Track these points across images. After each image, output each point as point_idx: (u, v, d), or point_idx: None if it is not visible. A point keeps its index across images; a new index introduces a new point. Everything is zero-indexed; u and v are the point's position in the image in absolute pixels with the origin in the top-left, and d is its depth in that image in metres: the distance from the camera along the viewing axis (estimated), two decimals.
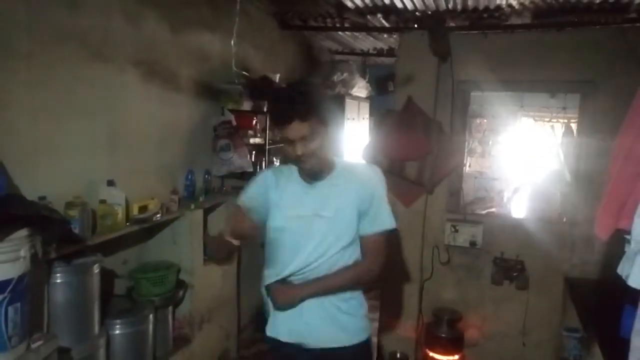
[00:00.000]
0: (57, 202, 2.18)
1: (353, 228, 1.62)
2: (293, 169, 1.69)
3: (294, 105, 1.51)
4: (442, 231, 3.34)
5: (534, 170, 3.69)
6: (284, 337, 1.72)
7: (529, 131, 3.81)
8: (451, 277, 3.38)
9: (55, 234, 1.85)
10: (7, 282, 1.57)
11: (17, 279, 1.60)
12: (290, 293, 1.62)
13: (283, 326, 1.71)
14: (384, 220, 1.64)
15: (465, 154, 3.44)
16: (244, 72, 3.04)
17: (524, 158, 3.81)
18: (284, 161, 1.74)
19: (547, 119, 3.67)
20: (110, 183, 2.53)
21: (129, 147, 2.71)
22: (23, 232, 1.63)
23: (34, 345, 1.72)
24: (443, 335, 3.26)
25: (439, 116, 3.27)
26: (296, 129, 1.52)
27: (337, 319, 1.66)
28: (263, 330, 1.79)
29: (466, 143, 3.40)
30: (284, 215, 1.65)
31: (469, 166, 3.63)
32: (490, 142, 3.70)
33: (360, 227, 1.63)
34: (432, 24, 3.13)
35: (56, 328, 2.06)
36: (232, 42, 2.63)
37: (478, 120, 4.11)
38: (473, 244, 3.25)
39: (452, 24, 3.67)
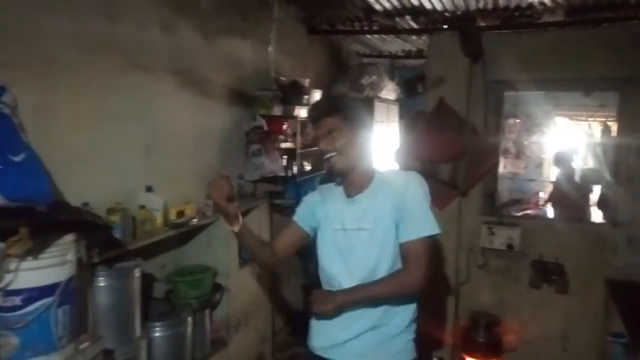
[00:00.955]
0: (99, 208, 2.25)
1: (393, 238, 1.60)
2: (337, 188, 1.75)
3: (323, 103, 1.70)
4: (478, 234, 3.29)
5: (572, 171, 3.60)
6: (320, 352, 1.72)
7: (565, 130, 3.72)
8: (488, 281, 3.32)
9: (98, 238, 1.90)
10: (55, 285, 1.63)
11: (65, 282, 1.66)
12: (330, 299, 1.59)
13: (321, 340, 1.72)
14: (421, 225, 1.59)
15: (500, 155, 3.38)
16: (281, 78, 3.09)
17: (554, 158, 3.72)
18: (327, 179, 1.80)
19: (583, 118, 3.58)
20: (149, 189, 2.59)
21: (165, 153, 2.77)
22: (69, 237, 1.68)
23: (81, 347, 1.77)
24: (480, 339, 3.20)
25: (472, 117, 3.24)
26: (323, 124, 1.62)
27: (382, 339, 1.64)
28: (296, 334, 1.80)
29: (500, 144, 3.34)
30: (329, 231, 1.69)
31: (504, 167, 3.57)
32: (525, 143, 3.63)
33: (398, 235, 1.60)
34: (463, 24, 3.10)
35: (100, 330, 2.12)
36: (269, 49, 2.68)
37: (512, 121, 4.04)
38: (510, 246, 3.19)
39: (482, 24, 3.64)
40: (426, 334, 3.41)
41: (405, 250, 1.59)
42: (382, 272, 1.60)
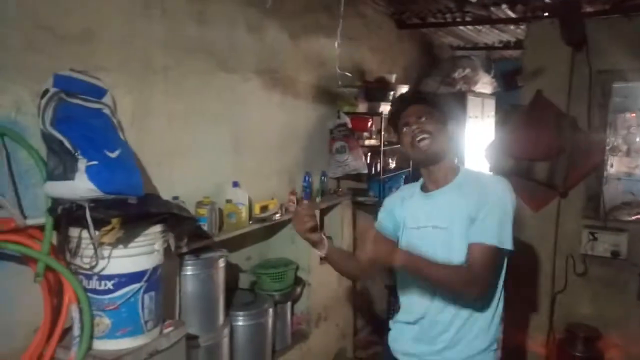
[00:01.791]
0: (189, 201, 2.40)
1: (466, 242, 1.50)
2: (416, 185, 1.71)
3: (409, 93, 1.76)
4: (578, 239, 3.01)
5: None
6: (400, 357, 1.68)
7: None
8: (588, 291, 3.03)
9: (185, 230, 2.02)
10: (143, 273, 1.76)
11: (151, 270, 1.79)
12: (389, 251, 1.45)
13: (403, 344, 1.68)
14: (497, 233, 1.47)
15: (607, 152, 3.06)
16: (346, 73, 3.06)
17: None
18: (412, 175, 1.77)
19: None
20: (235, 184, 2.71)
21: (252, 150, 2.88)
22: (157, 228, 1.81)
23: (165, 331, 1.90)
24: (578, 354, 2.94)
25: (573, 111, 2.96)
26: (413, 110, 1.58)
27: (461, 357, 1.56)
28: (378, 333, 1.77)
29: (607, 140, 3.02)
30: (408, 229, 1.65)
31: (611, 166, 3.23)
32: (638, 139, 3.25)
33: (469, 235, 1.49)
34: (565, 10, 2.84)
35: (186, 316, 2.26)
36: (336, 44, 2.69)
37: (627, 115, 3.64)
38: (615, 254, 2.88)
39: (589, 9, 3.32)
40: (515, 344, 3.23)
41: (471, 251, 1.48)
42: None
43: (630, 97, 3.24)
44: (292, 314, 3.11)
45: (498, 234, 1.46)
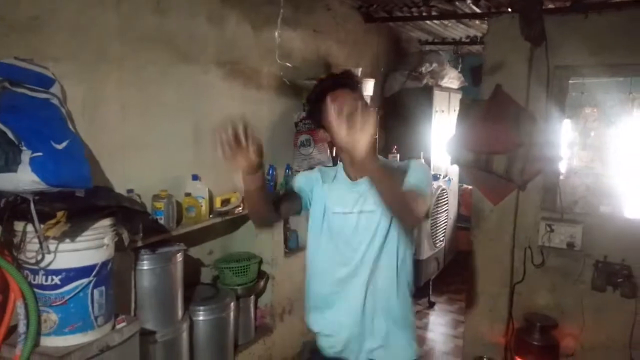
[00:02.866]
0: (145, 194, 2.36)
1: (389, 218, 1.55)
2: (339, 169, 1.68)
3: (342, 76, 1.59)
4: (536, 231, 3.08)
5: None
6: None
7: (635, 120, 3.38)
8: (545, 281, 3.11)
9: (137, 224, 1.99)
10: (91, 267, 1.72)
11: (100, 264, 1.75)
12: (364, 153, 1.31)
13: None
14: (425, 185, 1.53)
15: (564, 146, 3.13)
16: (287, 64, 3.05)
17: (630, 151, 3.39)
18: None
19: None
20: (195, 177, 2.67)
21: (213, 143, 2.82)
22: (106, 222, 1.77)
23: (118, 326, 1.86)
24: (535, 342, 3.01)
25: (532, 106, 3.02)
26: (344, 93, 1.53)
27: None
28: None
29: (564, 135, 3.09)
30: (333, 214, 1.61)
31: (568, 160, 3.31)
32: (592, 134, 3.33)
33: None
34: (524, 6, 2.88)
35: (142, 312, 2.23)
36: (276, 34, 2.66)
37: (585, 110, 3.74)
38: (571, 245, 2.96)
39: (551, 6, 3.37)
40: (476, 334, 3.29)
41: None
42: (375, 251, 1.56)
43: (586, 92, 3.33)
44: (256, 307, 3.10)
45: (427, 189, 1.53)
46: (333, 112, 1.29)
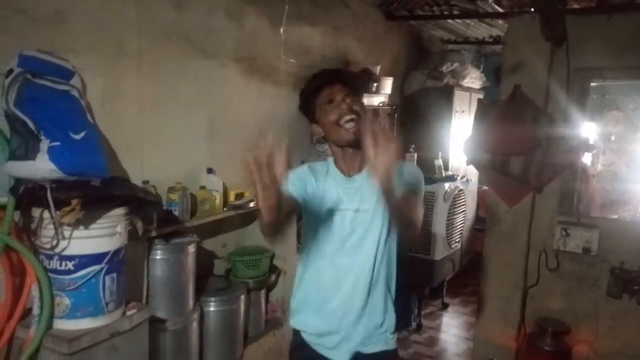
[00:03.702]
0: (160, 186, 2.41)
1: (384, 217, 1.54)
2: (330, 164, 1.63)
3: (337, 72, 1.61)
4: (551, 235, 3.04)
5: None
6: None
7: None
8: (560, 286, 3.07)
9: (150, 214, 2.04)
10: (104, 255, 1.78)
11: (113, 252, 1.81)
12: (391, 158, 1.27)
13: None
14: (419, 196, 1.56)
15: (582, 149, 3.07)
16: (291, 60, 3.05)
17: None
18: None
19: None
20: (210, 171, 2.72)
21: (228, 137, 2.88)
22: (120, 211, 1.82)
23: (128, 313, 1.92)
24: (547, 347, 2.97)
25: (551, 107, 2.97)
26: (338, 88, 1.53)
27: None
28: None
29: (583, 138, 3.03)
30: (327, 210, 1.57)
31: (586, 164, 3.24)
32: (612, 138, 3.26)
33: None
34: (546, 6, 2.84)
35: (154, 300, 2.29)
36: (281, 30, 2.66)
37: (615, 112, 3.66)
38: (587, 250, 2.91)
39: (575, 6, 3.32)
40: (487, 337, 3.27)
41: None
42: (373, 252, 1.56)
43: (608, 95, 3.26)
44: (267, 301, 3.13)
45: (421, 200, 1.56)
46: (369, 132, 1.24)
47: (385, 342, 1.65)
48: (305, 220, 1.65)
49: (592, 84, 2.98)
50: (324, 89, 1.53)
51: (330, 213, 1.56)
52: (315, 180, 1.60)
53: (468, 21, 4.50)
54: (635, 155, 3.66)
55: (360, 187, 1.55)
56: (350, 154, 1.55)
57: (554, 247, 3.03)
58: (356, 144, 1.51)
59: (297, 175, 1.59)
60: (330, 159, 1.64)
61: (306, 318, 1.66)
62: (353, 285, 1.58)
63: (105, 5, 2.14)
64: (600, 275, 2.92)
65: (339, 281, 1.59)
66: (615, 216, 3.28)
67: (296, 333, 1.70)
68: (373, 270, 1.58)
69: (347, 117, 1.50)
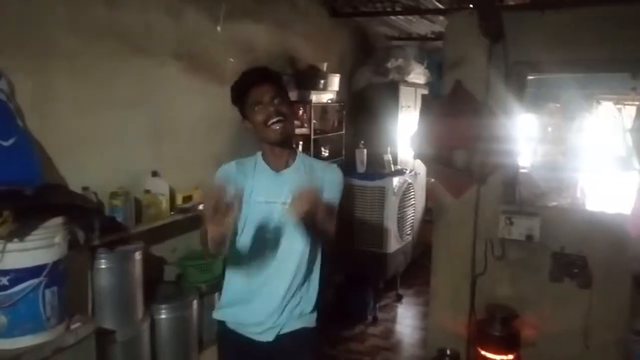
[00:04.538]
0: (102, 192, 2.31)
1: None
2: (258, 159, 1.69)
3: (265, 71, 1.64)
4: (496, 224, 3.14)
5: (600, 159, 3.38)
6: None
7: (593, 115, 3.49)
8: (506, 273, 3.18)
9: (90, 222, 1.94)
10: (42, 267, 1.68)
11: (52, 264, 1.71)
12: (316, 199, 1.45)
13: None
14: (334, 203, 1.68)
15: (523, 141, 3.20)
16: (230, 59, 3.03)
17: (588, 145, 3.49)
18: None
19: (614, 102, 3.33)
20: (155, 174, 2.63)
21: (173, 138, 2.80)
22: (57, 220, 1.72)
23: (72, 327, 1.82)
24: (496, 333, 3.07)
25: (491, 101, 3.07)
26: (266, 89, 1.59)
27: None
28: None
29: (524, 129, 3.16)
30: (254, 203, 1.62)
31: (527, 154, 3.38)
32: (549, 129, 3.42)
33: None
34: (482, 2, 2.93)
35: (101, 311, 2.19)
36: (218, 28, 2.63)
37: (552, 105, 3.83)
38: (529, 237, 3.03)
39: (510, 3, 3.44)
40: (439, 325, 3.35)
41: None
42: (297, 245, 1.63)
43: (544, 88, 3.41)
44: None
45: (336, 206, 1.68)
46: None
47: (306, 321, 1.72)
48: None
49: (529, 77, 3.10)
50: (253, 88, 1.59)
51: (259, 206, 1.62)
52: (244, 176, 1.65)
53: (411, 18, 4.59)
54: (571, 145, 3.85)
55: (287, 181, 1.62)
56: (278, 151, 1.64)
57: (499, 235, 3.13)
58: (283, 144, 1.63)
59: (225, 175, 1.66)
60: (259, 153, 1.71)
61: (236, 312, 1.69)
62: (283, 277, 1.64)
63: (32, 2, 2.01)
64: (542, 261, 3.05)
65: (270, 274, 1.64)
66: (554, 204, 3.44)
67: (221, 322, 1.74)
68: (299, 260, 1.65)
69: (275, 119, 1.56)
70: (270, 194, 1.62)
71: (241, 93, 1.62)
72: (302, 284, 1.69)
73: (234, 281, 1.71)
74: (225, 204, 1.30)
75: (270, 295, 1.65)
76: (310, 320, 1.74)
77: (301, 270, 1.67)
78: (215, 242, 1.38)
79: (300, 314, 1.70)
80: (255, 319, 1.66)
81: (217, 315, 1.75)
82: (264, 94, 1.58)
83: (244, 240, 1.64)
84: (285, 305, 1.66)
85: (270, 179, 1.65)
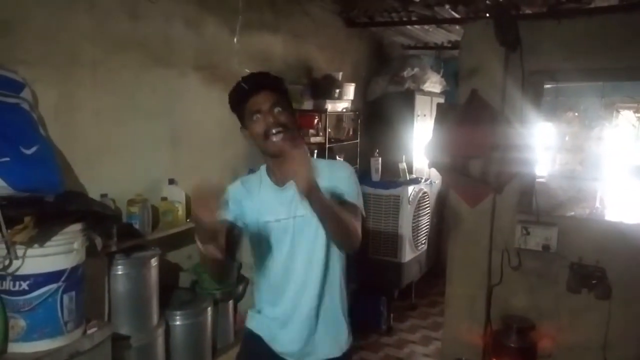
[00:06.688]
0: (120, 199, 2.36)
1: None
2: (262, 175, 1.61)
3: (264, 77, 1.53)
4: (512, 234, 3.11)
5: (619, 168, 3.33)
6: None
7: (612, 124, 3.44)
8: (522, 283, 3.14)
9: (110, 228, 1.98)
10: (61, 272, 1.72)
11: (70, 270, 1.74)
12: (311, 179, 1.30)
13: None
14: (357, 201, 1.58)
15: (540, 150, 3.17)
16: (246, 70, 3.04)
17: (607, 154, 3.44)
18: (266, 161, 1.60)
19: (633, 110, 3.28)
20: (172, 181, 2.67)
21: (190, 147, 2.84)
22: (76, 227, 1.76)
23: (89, 332, 1.86)
24: (512, 344, 3.04)
25: (507, 110, 3.06)
26: (265, 97, 1.48)
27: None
28: None
29: (541, 138, 3.13)
30: (265, 223, 1.55)
31: (544, 163, 3.35)
32: (566, 138, 3.38)
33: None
34: (498, 12, 2.93)
35: (117, 317, 2.22)
36: (235, 40, 2.65)
37: (570, 114, 3.80)
38: (546, 247, 3.00)
39: (527, 11, 3.43)
40: (455, 336, 3.32)
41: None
42: (315, 256, 1.54)
43: (561, 96, 3.38)
44: (236, 312, 3.09)
45: (360, 203, 1.58)
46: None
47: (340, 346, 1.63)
48: (249, 238, 1.61)
49: (546, 86, 3.08)
50: (251, 96, 1.48)
51: (271, 224, 1.54)
52: (250, 195, 1.57)
53: (427, 27, 4.59)
54: (589, 154, 3.81)
55: (294, 195, 1.47)
56: (280, 163, 1.48)
57: (515, 245, 3.10)
58: (284, 155, 1.45)
59: (232, 198, 1.55)
60: (263, 167, 1.62)
61: (273, 334, 1.61)
62: (309, 300, 1.56)
63: (56, 14, 2.08)
64: (559, 272, 3.01)
65: (295, 299, 1.56)
66: (572, 213, 3.40)
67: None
68: (325, 279, 1.56)
69: (274, 130, 1.47)
70: (279, 211, 1.53)
71: (239, 100, 1.52)
72: (332, 297, 1.59)
73: (266, 300, 1.64)
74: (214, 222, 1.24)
75: (301, 316, 1.56)
76: (343, 344, 1.64)
77: (331, 286, 1.58)
78: (211, 267, 1.37)
79: (336, 336, 1.62)
80: (291, 348, 1.59)
81: (251, 325, 1.68)
82: (263, 102, 1.47)
83: (265, 263, 1.58)
84: (317, 324, 1.58)
85: (276, 196, 1.55)
